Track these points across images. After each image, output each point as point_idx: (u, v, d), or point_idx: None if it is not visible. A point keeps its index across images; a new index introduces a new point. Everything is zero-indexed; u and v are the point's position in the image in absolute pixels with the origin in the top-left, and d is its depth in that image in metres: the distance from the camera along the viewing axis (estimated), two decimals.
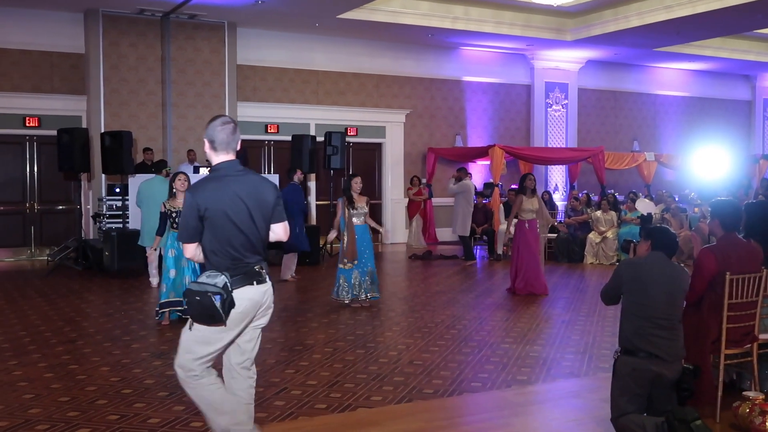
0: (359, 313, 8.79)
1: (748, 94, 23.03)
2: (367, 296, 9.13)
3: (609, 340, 7.29)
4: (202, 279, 3.88)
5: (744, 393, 4.85)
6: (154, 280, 10.57)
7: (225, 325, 3.89)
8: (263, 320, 4.14)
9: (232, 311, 3.87)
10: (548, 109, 19.34)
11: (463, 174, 14.65)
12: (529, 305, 9.36)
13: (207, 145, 4.04)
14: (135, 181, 12.17)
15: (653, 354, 4.45)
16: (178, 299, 7.91)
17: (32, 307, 9.12)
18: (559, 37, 16.99)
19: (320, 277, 11.72)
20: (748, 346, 5.07)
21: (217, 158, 4.04)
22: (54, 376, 5.99)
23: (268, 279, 4.05)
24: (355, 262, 9.04)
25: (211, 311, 3.79)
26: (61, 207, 14.65)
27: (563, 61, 19.18)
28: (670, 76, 21.44)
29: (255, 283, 3.97)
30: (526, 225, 10.29)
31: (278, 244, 10.66)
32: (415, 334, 7.65)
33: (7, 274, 12.20)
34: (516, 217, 10.53)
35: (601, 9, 16.00)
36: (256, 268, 3.99)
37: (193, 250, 4.02)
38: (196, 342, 3.97)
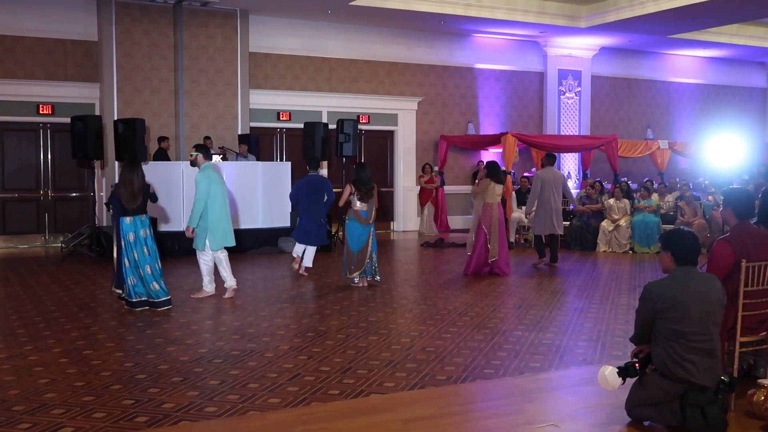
0: (372, 300, 8.81)
1: (763, 81, 22.82)
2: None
3: (622, 328, 7.27)
4: None
5: (759, 381, 4.80)
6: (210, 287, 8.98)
7: None
8: None
9: None
10: (561, 96, 19.24)
11: (546, 161, 12.08)
12: (541, 293, 9.35)
13: None
14: (148, 169, 12.15)
15: (689, 381, 4.30)
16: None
17: (47, 293, 9.19)
18: (572, 24, 16.87)
19: (333, 263, 11.72)
20: (764, 333, 5.03)
21: None
22: (69, 361, 6.03)
23: None
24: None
25: None
26: (74, 194, 14.73)
27: (577, 48, 19.05)
28: (685, 64, 21.26)
29: None
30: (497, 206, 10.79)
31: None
32: (428, 321, 7.65)
33: (22, 261, 12.28)
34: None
35: None
36: None
37: None
38: None
